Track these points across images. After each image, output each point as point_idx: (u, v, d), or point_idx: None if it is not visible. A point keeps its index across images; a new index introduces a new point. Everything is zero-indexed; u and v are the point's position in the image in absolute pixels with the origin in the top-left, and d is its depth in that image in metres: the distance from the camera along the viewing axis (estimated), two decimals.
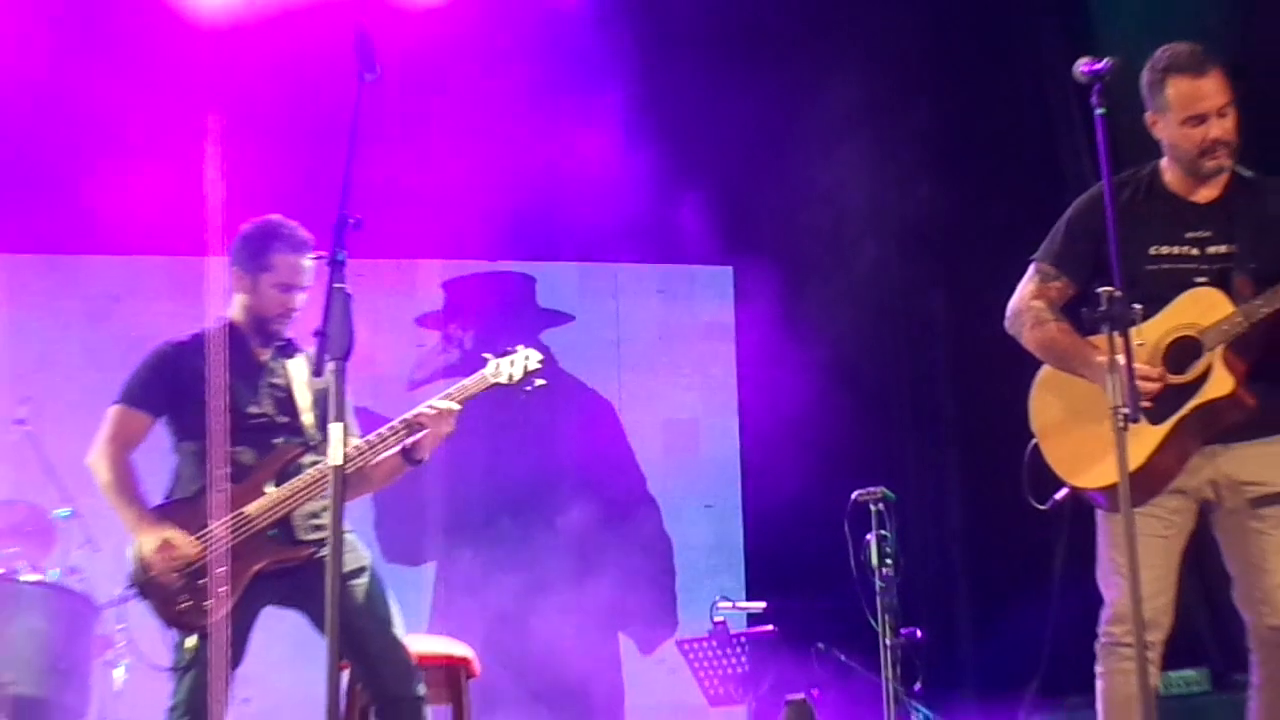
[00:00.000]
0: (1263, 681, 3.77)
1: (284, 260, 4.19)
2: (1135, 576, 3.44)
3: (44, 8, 6.22)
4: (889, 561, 4.91)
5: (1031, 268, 4.03)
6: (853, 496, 5.03)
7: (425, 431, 4.13)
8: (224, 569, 3.99)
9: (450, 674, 4.42)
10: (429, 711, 4.09)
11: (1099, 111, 3.63)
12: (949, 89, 6.71)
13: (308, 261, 4.20)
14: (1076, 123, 5.92)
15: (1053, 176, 6.09)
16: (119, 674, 5.59)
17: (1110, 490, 3.64)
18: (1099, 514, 3.87)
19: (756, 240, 6.93)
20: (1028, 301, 4.01)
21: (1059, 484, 3.90)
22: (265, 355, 4.25)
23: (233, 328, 4.26)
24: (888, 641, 4.86)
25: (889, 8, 6.79)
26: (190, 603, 3.97)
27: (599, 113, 6.50)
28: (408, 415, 4.13)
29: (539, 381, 4.32)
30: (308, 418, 4.21)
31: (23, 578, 5.03)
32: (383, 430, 4.12)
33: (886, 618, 4.87)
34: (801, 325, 6.54)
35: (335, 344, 3.42)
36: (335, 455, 3.40)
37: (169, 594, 4.00)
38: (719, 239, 6.90)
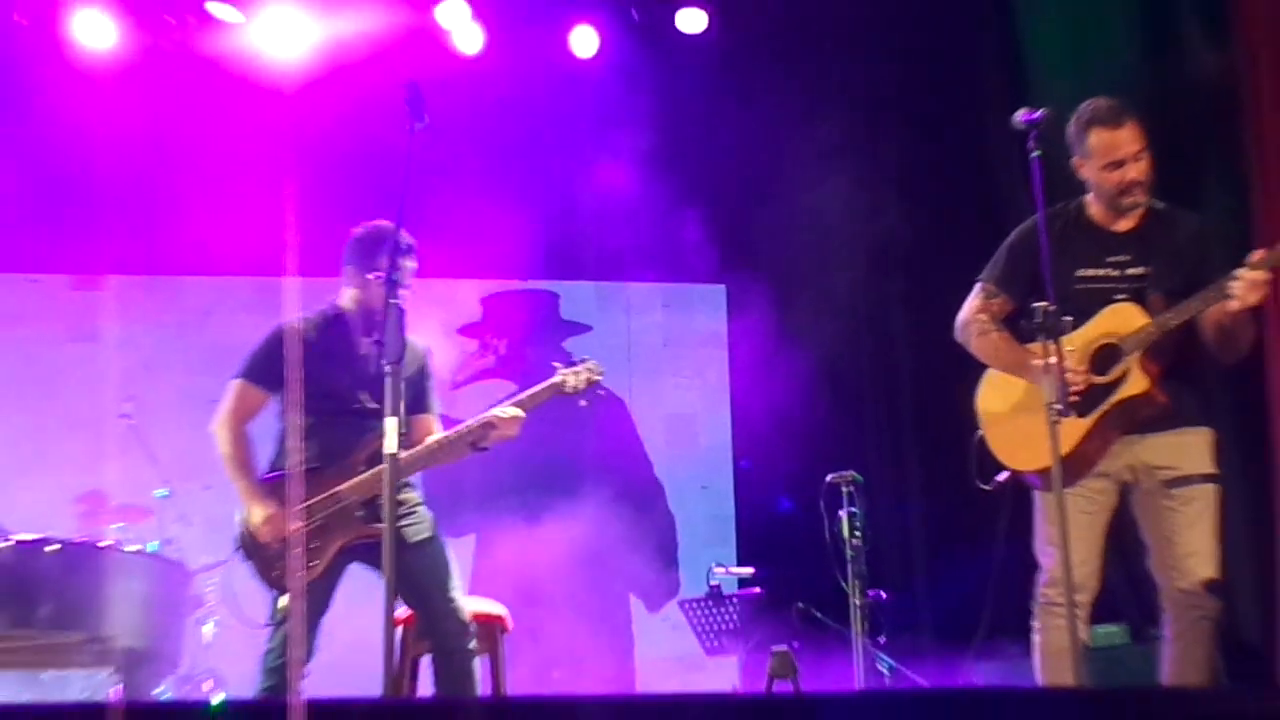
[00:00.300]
0: (1173, 635, 3.78)
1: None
2: (1066, 547, 3.45)
3: (151, 75, 6.26)
4: (858, 534, 4.88)
5: (977, 286, 4.04)
6: (827, 479, 5.01)
7: (495, 432, 4.07)
8: (316, 544, 3.99)
9: (487, 629, 4.42)
10: (477, 664, 4.08)
11: (1034, 154, 3.64)
12: (911, 133, 6.69)
13: (410, 264, 4.11)
14: (1014, 162, 5.90)
15: (995, 209, 6.07)
16: (208, 629, 5.62)
17: (1044, 473, 3.65)
18: (1035, 493, 3.88)
19: (746, 262, 6.92)
20: (974, 315, 4.01)
21: (1001, 468, 3.91)
22: (366, 345, 4.14)
23: (342, 317, 4.21)
24: (856, 601, 4.84)
25: (860, 63, 6.77)
26: (284, 570, 3.97)
27: (613, 154, 6.51)
28: (485, 416, 4.08)
29: (599, 391, 4.23)
30: (400, 408, 4.16)
31: (127, 548, 5.05)
32: (460, 428, 4.09)
33: (856, 581, 4.85)
34: (784, 334, 6.53)
35: (391, 350, 3.46)
36: (390, 444, 3.43)
37: (268, 559, 4.00)
38: (714, 262, 6.90)
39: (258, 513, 3.99)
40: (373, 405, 4.09)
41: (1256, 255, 3.64)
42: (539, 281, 7.10)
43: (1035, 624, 3.83)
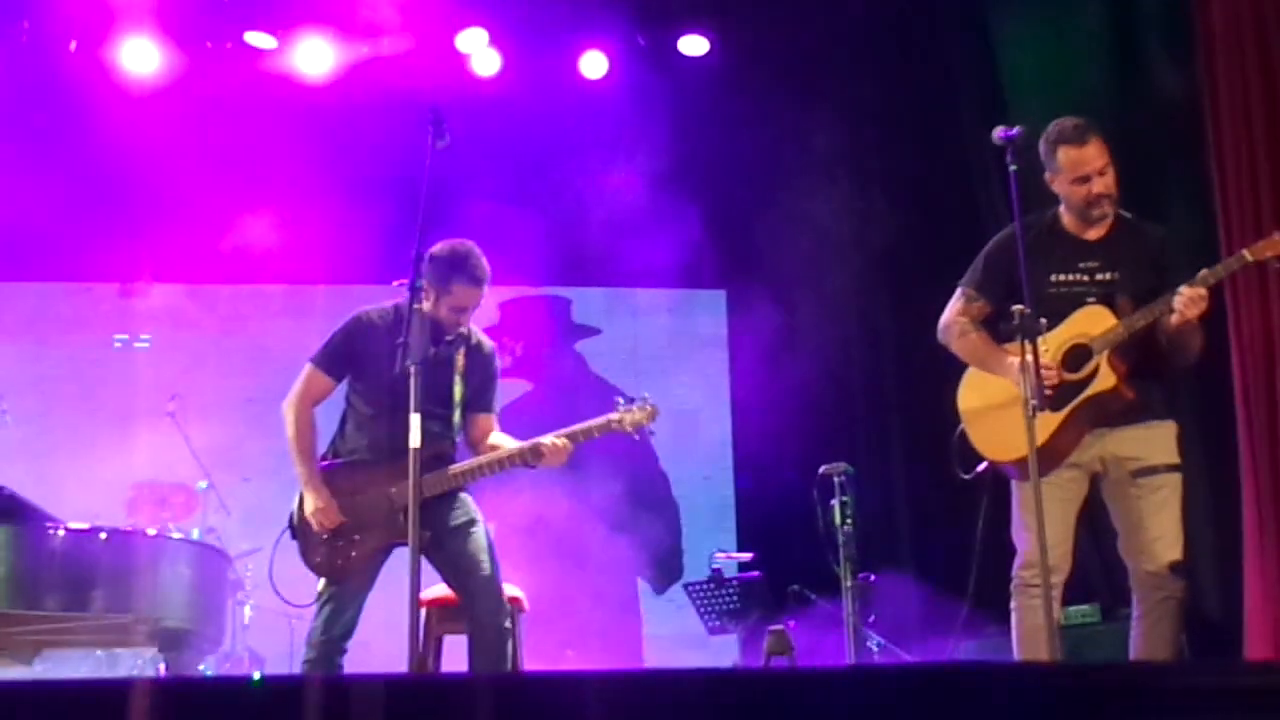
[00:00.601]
0: (1141, 614, 3.77)
1: (462, 289, 3.96)
2: (1041, 532, 3.45)
3: (192, 98, 6.29)
4: (849, 521, 4.88)
5: (958, 291, 4.04)
6: (820, 470, 5.01)
7: (543, 459, 3.99)
8: (358, 537, 3.95)
9: None
10: (511, 643, 3.99)
11: (1012, 168, 3.64)
12: (899, 149, 6.69)
13: (482, 290, 4.01)
14: (992, 175, 5.91)
15: (976, 218, 6.08)
16: (247, 611, 5.64)
17: (1020, 463, 3.64)
18: (1012, 482, 3.87)
19: (745, 269, 6.93)
20: (955, 318, 4.01)
21: (980, 459, 3.91)
22: (432, 349, 3.93)
23: (417, 314, 4.05)
24: (848, 584, 4.84)
25: (850, 83, 6.77)
26: (325, 560, 3.96)
27: (621, 169, 6.52)
28: (534, 443, 3.98)
29: (650, 429, 4.06)
30: (458, 415, 4.07)
31: (172, 535, 5.07)
32: (513, 451, 4.01)
33: (847, 565, 4.85)
34: (781, 336, 6.53)
35: (414, 352, 3.45)
36: (414, 439, 3.43)
37: (313, 544, 3.98)
38: (715, 269, 6.91)
39: (311, 501, 3.97)
40: (437, 409, 3.98)
41: (1201, 273, 3.65)
42: (552, 287, 7.11)
43: (1013, 604, 3.82)
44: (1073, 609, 4.91)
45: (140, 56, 6.26)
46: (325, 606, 3.96)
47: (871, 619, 5.20)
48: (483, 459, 4.06)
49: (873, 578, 5.08)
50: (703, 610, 5.84)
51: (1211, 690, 2.35)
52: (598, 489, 6.46)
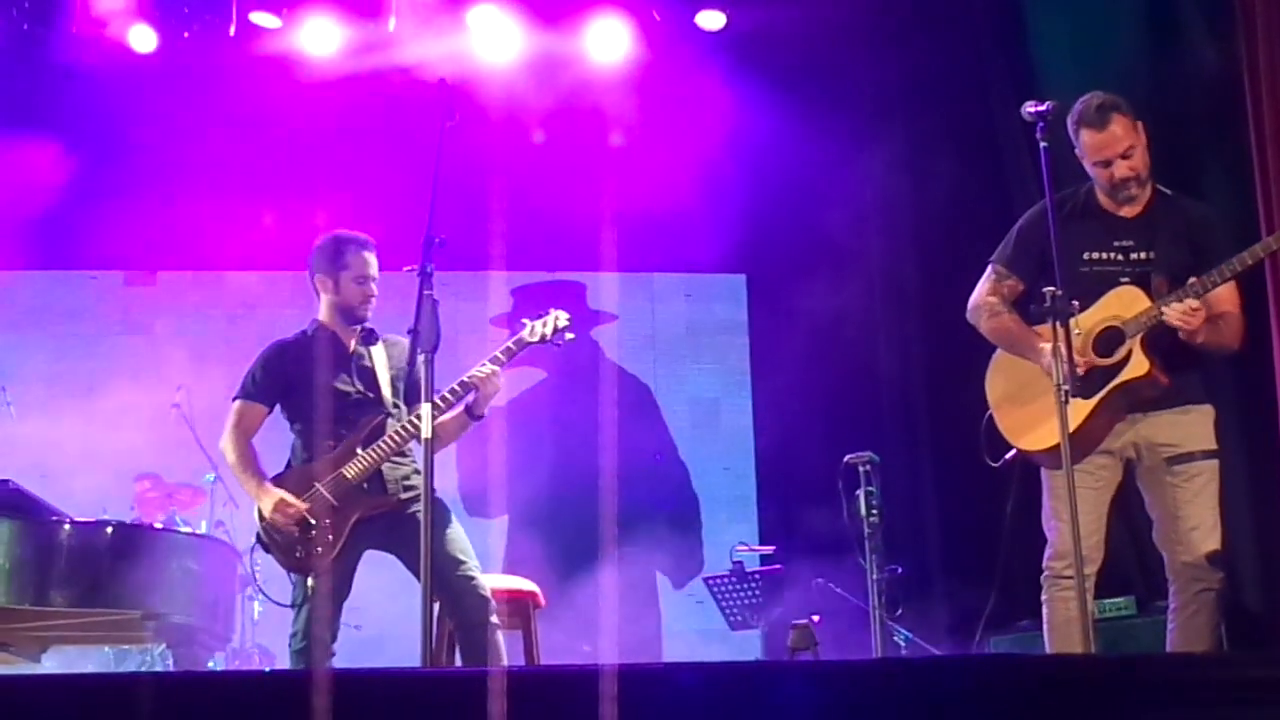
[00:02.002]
0: (1178, 606, 3.75)
1: (357, 257, 4.22)
2: (1074, 521, 3.44)
3: (198, 80, 6.30)
4: (874, 512, 4.87)
5: (988, 269, 4.02)
6: (845, 459, 5.00)
7: (476, 392, 4.12)
8: (329, 520, 4.03)
9: (520, 605, 4.44)
10: (501, 636, 4.08)
11: (1043, 144, 3.62)
12: (924, 125, 6.64)
13: (373, 257, 4.25)
14: (1023, 151, 5.87)
15: (1005, 196, 6.04)
16: (256, 607, 5.68)
17: (1051, 451, 3.63)
18: (1042, 470, 3.86)
19: (765, 253, 6.91)
20: (985, 297, 4.00)
21: (1009, 447, 3.89)
22: (352, 343, 4.26)
23: (322, 327, 4.28)
24: (874, 576, 4.84)
25: (875, 55, 6.73)
26: (303, 551, 4.02)
27: (638, 153, 6.51)
28: (463, 378, 4.11)
29: (568, 335, 4.25)
30: (388, 392, 4.23)
31: (180, 530, 5.11)
32: (444, 393, 4.08)
33: (873, 557, 4.84)
34: (802, 322, 6.51)
35: (425, 339, 3.48)
36: (426, 429, 3.45)
37: (287, 545, 4.04)
38: (735, 253, 6.89)
39: (267, 502, 4.05)
40: (369, 395, 4.18)
41: (1191, 282, 3.63)
42: (566, 272, 7.11)
43: (1043, 596, 3.81)
44: (1107, 602, 4.88)
45: (142, 37, 6.28)
46: (303, 609, 4.03)
47: (898, 613, 5.19)
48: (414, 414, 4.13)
49: (899, 570, 5.06)
50: (724, 604, 5.84)
51: (1251, 682, 2.35)
52: (615, 482, 6.46)
